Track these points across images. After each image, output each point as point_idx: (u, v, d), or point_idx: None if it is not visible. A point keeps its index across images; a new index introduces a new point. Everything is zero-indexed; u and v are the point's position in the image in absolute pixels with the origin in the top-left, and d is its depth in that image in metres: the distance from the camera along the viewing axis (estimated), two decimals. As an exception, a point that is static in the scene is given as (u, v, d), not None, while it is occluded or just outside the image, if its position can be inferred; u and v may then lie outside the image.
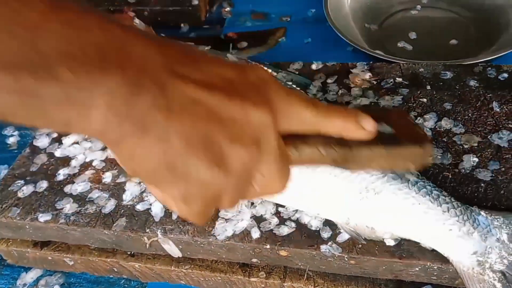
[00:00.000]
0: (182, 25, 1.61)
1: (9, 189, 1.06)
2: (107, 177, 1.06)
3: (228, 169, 0.60)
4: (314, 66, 1.25)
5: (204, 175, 0.59)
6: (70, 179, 1.07)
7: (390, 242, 0.89)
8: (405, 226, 0.89)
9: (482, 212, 0.88)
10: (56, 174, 1.08)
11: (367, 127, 0.72)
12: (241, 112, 0.60)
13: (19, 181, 1.07)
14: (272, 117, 0.62)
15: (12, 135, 1.33)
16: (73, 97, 0.52)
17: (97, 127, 0.55)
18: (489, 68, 1.18)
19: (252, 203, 0.97)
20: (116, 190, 1.04)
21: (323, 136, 0.72)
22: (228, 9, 1.69)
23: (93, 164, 1.09)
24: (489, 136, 1.03)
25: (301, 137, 0.71)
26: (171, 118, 0.56)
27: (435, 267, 0.87)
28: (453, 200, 0.89)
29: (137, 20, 1.30)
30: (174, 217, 0.97)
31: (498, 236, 0.86)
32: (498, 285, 0.83)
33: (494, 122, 1.06)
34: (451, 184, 0.96)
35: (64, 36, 0.52)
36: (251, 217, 0.95)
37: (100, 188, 1.04)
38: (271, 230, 0.93)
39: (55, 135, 1.15)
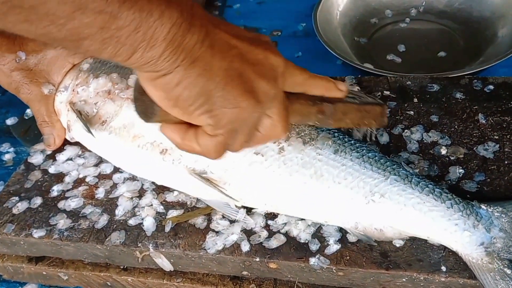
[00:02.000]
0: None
1: (4, 205, 1.08)
2: (100, 192, 1.08)
3: (257, 98, 0.77)
4: (303, 80, 1.27)
5: (240, 101, 0.75)
6: (64, 195, 1.08)
7: (400, 243, 0.93)
8: (412, 225, 0.92)
9: (482, 205, 0.92)
10: (50, 190, 1.09)
11: (342, 88, 0.93)
12: (264, 56, 0.78)
13: (14, 197, 1.09)
14: (284, 64, 0.81)
15: (7, 152, 1.35)
16: (145, 23, 0.64)
17: (157, 53, 0.67)
18: (475, 81, 1.20)
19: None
20: (109, 205, 1.05)
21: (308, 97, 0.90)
22: (220, 24, 1.70)
23: (86, 180, 1.11)
24: (474, 148, 1.05)
25: (293, 95, 0.88)
26: (214, 55, 0.72)
27: (422, 278, 0.88)
28: (454, 196, 0.93)
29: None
30: (167, 229, 0.99)
31: (500, 226, 0.90)
32: (508, 271, 0.86)
33: (479, 133, 1.08)
34: (437, 196, 0.98)
35: None
36: (241, 231, 0.97)
37: (93, 203, 1.06)
38: (261, 243, 0.95)
39: (49, 152, 1.17)
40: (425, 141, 1.08)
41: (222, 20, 0.79)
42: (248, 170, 0.98)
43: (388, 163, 0.96)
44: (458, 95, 1.16)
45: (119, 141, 1.05)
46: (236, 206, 0.99)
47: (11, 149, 1.36)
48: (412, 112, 1.15)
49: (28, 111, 1.34)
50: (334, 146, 0.97)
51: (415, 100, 1.18)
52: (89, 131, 1.05)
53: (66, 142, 1.18)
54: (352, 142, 0.99)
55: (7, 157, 1.34)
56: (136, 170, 1.08)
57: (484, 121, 1.10)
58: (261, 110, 0.79)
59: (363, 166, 0.95)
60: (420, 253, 0.90)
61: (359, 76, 1.27)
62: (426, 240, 0.92)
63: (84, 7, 0.60)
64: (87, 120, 1.08)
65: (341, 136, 1.00)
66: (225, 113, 0.75)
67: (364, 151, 0.98)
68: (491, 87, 1.17)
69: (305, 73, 0.88)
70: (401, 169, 0.95)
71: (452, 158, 1.04)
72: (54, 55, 1.13)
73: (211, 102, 0.74)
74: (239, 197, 0.99)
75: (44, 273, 1.08)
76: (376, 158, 0.97)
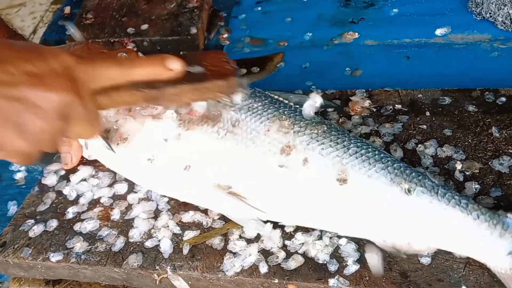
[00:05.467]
0: (181, 53, 1.62)
1: (20, 229, 1.08)
2: (115, 214, 1.08)
3: (35, 138, 0.79)
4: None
5: (16, 147, 0.78)
6: (79, 217, 1.09)
7: (427, 260, 0.92)
8: (440, 237, 0.92)
9: (508, 214, 0.91)
10: (66, 212, 1.10)
11: (174, 67, 0.89)
12: (43, 98, 0.77)
13: (30, 220, 1.09)
14: (74, 94, 0.80)
15: (19, 171, 1.34)
16: None
17: None
18: (487, 93, 1.20)
19: (259, 237, 0.99)
20: (125, 227, 1.05)
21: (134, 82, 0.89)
22: (225, 35, 1.70)
23: (101, 201, 1.11)
24: (490, 162, 1.05)
25: (114, 87, 0.88)
26: None
27: (442, 298, 0.88)
28: (480, 207, 0.92)
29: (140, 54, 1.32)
30: (185, 252, 0.99)
31: None
32: None
33: (494, 147, 1.08)
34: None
35: None
36: (258, 251, 0.97)
37: (109, 225, 1.06)
38: (279, 264, 0.95)
39: (62, 172, 1.17)
40: (439, 156, 1.08)
41: (5, 55, 0.78)
42: (273, 183, 0.98)
43: (413, 174, 0.95)
44: (471, 108, 1.16)
45: (141, 158, 1.05)
46: (261, 220, 1.00)
47: (23, 168, 1.35)
48: (425, 126, 1.14)
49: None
50: (357, 157, 0.97)
51: (427, 113, 1.17)
52: (111, 149, 1.05)
53: (79, 163, 1.18)
54: (376, 152, 0.99)
55: (19, 176, 1.34)
56: (158, 187, 1.08)
57: (497, 135, 1.09)
58: (44, 144, 0.81)
59: (389, 178, 0.94)
60: (440, 273, 0.90)
61: (370, 89, 1.27)
62: (446, 259, 0.92)
63: None
64: (107, 138, 1.07)
65: (364, 146, 0.99)
66: (9, 152, 0.80)
67: (389, 162, 0.97)
68: (504, 99, 1.17)
69: (117, 65, 0.87)
70: (426, 180, 0.95)
71: (467, 173, 1.04)
72: None
73: None
74: (266, 211, 0.99)
75: (62, 296, 1.08)
76: (402, 169, 0.96)
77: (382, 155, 0.99)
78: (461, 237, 0.91)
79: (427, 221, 0.92)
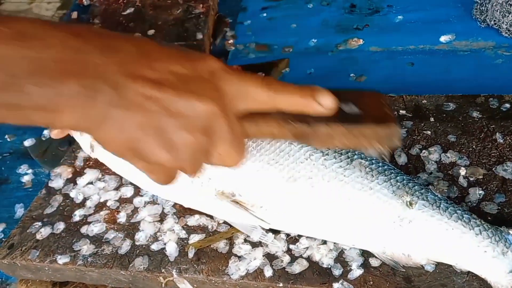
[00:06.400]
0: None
1: (27, 231, 1.09)
2: (122, 217, 1.09)
3: (178, 153, 0.70)
4: (319, 100, 1.27)
5: (157, 157, 0.70)
6: (86, 219, 1.10)
7: (432, 267, 0.93)
8: (440, 251, 0.92)
9: (511, 231, 0.92)
10: (72, 215, 1.10)
11: (325, 103, 0.76)
12: (188, 106, 0.69)
13: (37, 223, 1.10)
14: (220, 106, 0.71)
15: (26, 174, 1.35)
16: (43, 105, 0.64)
17: (70, 124, 0.67)
18: (491, 99, 1.21)
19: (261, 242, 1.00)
20: (131, 230, 1.06)
21: (283, 112, 0.77)
22: (231, 41, 1.72)
23: (108, 204, 1.12)
24: (493, 168, 1.06)
25: (261, 114, 0.77)
26: (127, 114, 0.67)
27: (446, 303, 0.89)
28: (483, 222, 0.92)
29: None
30: (190, 255, 1.00)
31: None
32: None
33: (498, 153, 1.08)
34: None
35: (28, 58, 0.62)
36: (263, 255, 0.98)
37: (115, 228, 1.07)
38: (284, 268, 0.96)
39: (69, 176, 1.18)
40: (443, 162, 1.09)
41: (151, 53, 0.71)
42: (276, 193, 0.98)
43: (416, 187, 0.95)
44: (475, 114, 1.17)
45: None
46: (263, 228, 1.00)
47: (30, 171, 1.37)
48: (429, 132, 1.15)
49: (45, 132, 1.37)
50: (361, 169, 0.97)
51: (432, 119, 1.18)
52: None
53: (86, 166, 1.19)
54: (380, 164, 0.98)
55: (25, 179, 1.35)
56: (163, 192, 1.09)
57: (502, 141, 1.10)
58: (187, 159, 0.72)
59: (391, 190, 0.94)
60: (443, 278, 0.91)
61: (375, 95, 1.27)
62: (449, 265, 0.92)
63: None
64: None
65: (368, 158, 0.98)
66: (149, 164, 0.74)
67: (392, 174, 0.96)
68: (508, 105, 1.18)
69: (268, 88, 0.75)
70: (429, 193, 0.94)
71: (471, 179, 1.05)
72: None
73: (134, 154, 0.71)
74: (268, 220, 0.99)
75: (68, 298, 1.09)
76: (404, 182, 0.95)
77: (385, 167, 0.99)
78: (462, 251, 0.91)
79: (428, 234, 0.92)
